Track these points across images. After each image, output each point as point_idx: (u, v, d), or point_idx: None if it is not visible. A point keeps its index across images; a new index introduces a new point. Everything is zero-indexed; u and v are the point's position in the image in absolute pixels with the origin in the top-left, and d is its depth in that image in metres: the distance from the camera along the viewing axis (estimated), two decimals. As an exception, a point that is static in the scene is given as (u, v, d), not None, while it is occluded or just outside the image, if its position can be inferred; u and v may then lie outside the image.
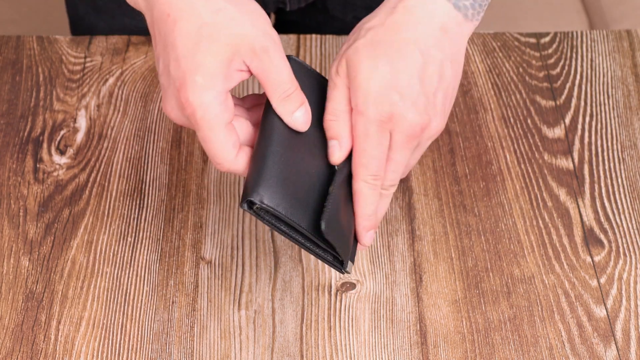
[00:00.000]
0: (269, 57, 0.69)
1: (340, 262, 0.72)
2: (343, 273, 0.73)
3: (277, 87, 0.70)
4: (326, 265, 0.84)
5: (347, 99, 0.72)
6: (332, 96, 0.72)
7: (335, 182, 0.72)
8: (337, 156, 0.72)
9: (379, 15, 0.73)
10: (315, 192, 0.71)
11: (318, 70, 0.98)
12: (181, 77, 0.68)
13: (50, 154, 0.91)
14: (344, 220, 0.72)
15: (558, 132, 0.94)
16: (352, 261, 0.74)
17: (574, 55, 1.00)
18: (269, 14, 1.13)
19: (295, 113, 0.71)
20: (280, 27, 1.17)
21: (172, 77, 0.69)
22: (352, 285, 0.83)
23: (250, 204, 0.69)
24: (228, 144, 0.69)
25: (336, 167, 0.73)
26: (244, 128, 0.71)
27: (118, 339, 0.80)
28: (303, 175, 0.71)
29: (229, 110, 0.68)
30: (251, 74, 0.70)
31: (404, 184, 0.89)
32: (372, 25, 0.73)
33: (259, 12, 0.70)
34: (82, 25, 1.08)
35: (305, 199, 0.70)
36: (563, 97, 0.96)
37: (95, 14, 1.05)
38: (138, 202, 0.88)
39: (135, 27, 1.01)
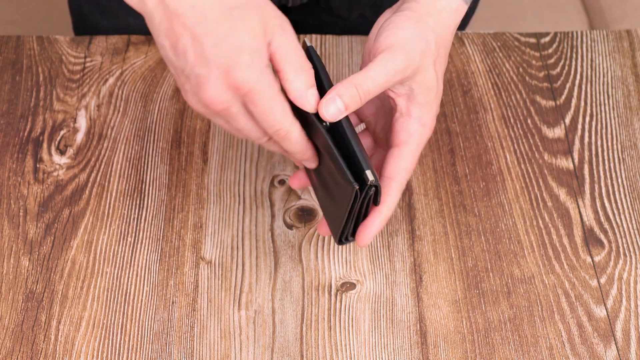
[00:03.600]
0: (291, 35, 0.70)
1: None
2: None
3: (296, 63, 0.70)
4: (326, 265, 0.84)
5: None
6: None
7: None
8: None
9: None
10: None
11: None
12: (226, 61, 0.69)
13: (50, 154, 0.91)
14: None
15: (558, 132, 0.94)
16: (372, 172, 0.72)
17: (574, 55, 1.00)
18: None
19: (310, 89, 0.71)
20: None
21: (213, 62, 0.69)
22: (352, 285, 0.83)
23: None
24: (287, 108, 0.71)
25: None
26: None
27: (118, 339, 0.80)
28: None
29: (277, 80, 0.70)
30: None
31: (404, 184, 0.90)
32: None
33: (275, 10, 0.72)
34: (85, 24, 1.08)
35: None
36: (563, 97, 0.96)
37: (100, 13, 1.05)
38: (138, 202, 0.88)
39: (139, 26, 1.01)
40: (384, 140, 0.78)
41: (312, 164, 0.75)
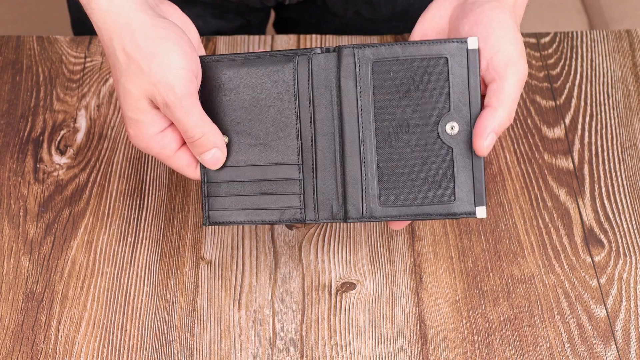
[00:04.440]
0: (170, 111, 0.72)
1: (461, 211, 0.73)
2: (474, 215, 0.73)
3: (184, 133, 0.74)
4: (326, 266, 0.84)
5: None
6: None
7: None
8: None
9: None
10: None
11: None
12: (125, 125, 0.76)
13: (50, 154, 0.91)
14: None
15: (558, 132, 0.94)
16: (482, 204, 0.73)
17: (574, 55, 1.00)
18: (269, 10, 1.13)
19: (202, 156, 0.75)
20: (280, 24, 1.17)
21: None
22: (352, 285, 0.83)
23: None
24: (182, 168, 0.76)
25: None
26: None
27: (118, 339, 0.80)
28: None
29: (168, 146, 0.75)
30: None
31: (404, 184, 0.89)
32: None
33: (169, 58, 0.72)
34: (84, 25, 1.08)
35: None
36: (563, 97, 0.96)
37: None
38: (138, 202, 0.88)
39: None
40: None
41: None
